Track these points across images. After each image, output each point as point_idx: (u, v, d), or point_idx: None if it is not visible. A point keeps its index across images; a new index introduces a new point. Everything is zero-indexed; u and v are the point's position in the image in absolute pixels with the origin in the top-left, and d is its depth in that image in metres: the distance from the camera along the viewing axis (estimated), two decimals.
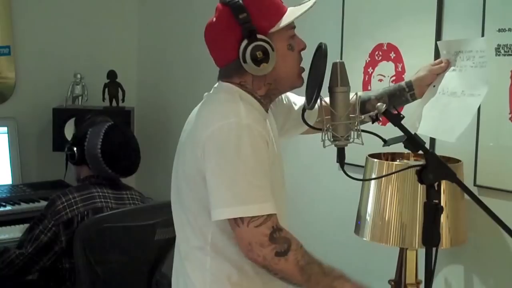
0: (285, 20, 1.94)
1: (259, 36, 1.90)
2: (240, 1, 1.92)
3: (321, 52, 1.97)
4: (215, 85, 2.05)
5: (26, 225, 3.11)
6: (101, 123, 3.00)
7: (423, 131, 2.20)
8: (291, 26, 1.98)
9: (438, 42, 2.44)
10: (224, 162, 1.84)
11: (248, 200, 1.83)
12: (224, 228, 1.92)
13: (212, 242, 1.96)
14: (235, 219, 1.84)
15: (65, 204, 2.80)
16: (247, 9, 1.91)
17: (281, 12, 1.96)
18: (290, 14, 1.96)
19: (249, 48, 1.90)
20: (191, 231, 1.99)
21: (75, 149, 2.98)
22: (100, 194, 2.92)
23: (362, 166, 2.63)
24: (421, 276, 2.54)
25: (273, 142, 1.99)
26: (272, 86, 1.99)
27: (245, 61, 1.91)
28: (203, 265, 1.97)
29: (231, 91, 1.97)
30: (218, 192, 1.85)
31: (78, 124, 3.16)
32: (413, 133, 1.95)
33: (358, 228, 2.59)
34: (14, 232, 3.26)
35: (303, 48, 2.02)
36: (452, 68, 2.25)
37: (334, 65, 2.00)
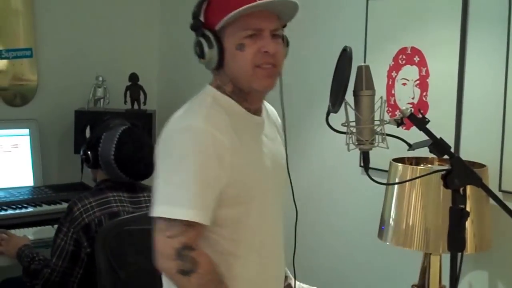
0: (227, 17, 1.87)
1: (203, 30, 1.94)
2: None
3: (346, 56, 1.95)
4: None
5: (48, 227, 3.12)
6: (115, 127, 2.95)
7: None
8: (248, 27, 1.88)
9: None
10: (166, 163, 1.86)
11: (174, 201, 1.80)
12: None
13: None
14: (158, 219, 1.80)
15: (82, 210, 2.79)
16: (205, 4, 1.95)
17: (231, 9, 1.86)
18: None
19: (194, 43, 1.96)
20: None
21: (89, 153, 2.95)
22: (116, 198, 2.90)
23: (386, 171, 2.62)
24: (445, 281, 2.52)
25: (251, 149, 1.96)
26: (234, 83, 1.97)
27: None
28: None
29: (203, 95, 2.00)
30: (155, 190, 1.84)
31: (93, 126, 3.11)
32: (438, 137, 1.93)
33: (382, 233, 2.58)
34: (35, 234, 3.26)
35: (265, 52, 1.90)
36: None
37: (359, 68, 1.98)
